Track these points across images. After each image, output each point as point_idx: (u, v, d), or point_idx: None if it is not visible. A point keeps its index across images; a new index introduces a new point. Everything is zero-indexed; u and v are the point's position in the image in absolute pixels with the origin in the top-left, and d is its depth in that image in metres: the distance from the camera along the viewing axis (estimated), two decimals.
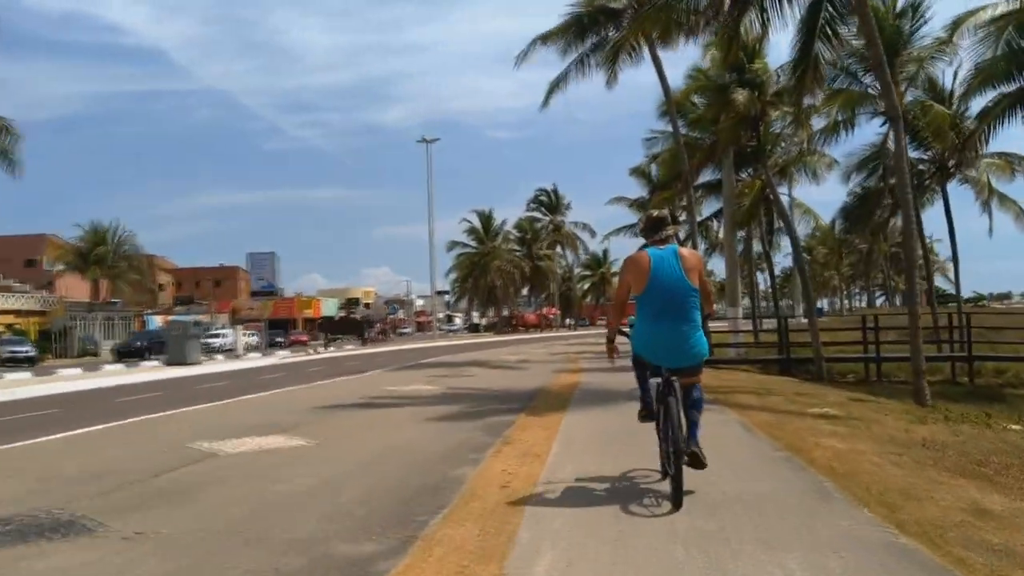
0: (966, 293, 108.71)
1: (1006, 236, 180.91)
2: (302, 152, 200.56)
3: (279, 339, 51.22)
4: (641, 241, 6.21)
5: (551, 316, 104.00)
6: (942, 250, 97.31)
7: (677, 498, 5.26)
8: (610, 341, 6.28)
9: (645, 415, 6.14)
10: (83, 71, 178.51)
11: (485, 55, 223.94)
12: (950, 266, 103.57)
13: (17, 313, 53.11)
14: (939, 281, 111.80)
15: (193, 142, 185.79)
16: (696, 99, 33.29)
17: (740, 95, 21.69)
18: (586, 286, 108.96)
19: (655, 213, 6.13)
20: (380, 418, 11.59)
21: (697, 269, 5.63)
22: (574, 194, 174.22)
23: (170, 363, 35.15)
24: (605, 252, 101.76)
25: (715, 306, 6.85)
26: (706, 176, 32.76)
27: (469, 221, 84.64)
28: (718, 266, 44.20)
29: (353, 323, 66.94)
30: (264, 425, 10.66)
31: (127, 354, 43.94)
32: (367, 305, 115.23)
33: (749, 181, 30.25)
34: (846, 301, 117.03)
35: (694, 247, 24.73)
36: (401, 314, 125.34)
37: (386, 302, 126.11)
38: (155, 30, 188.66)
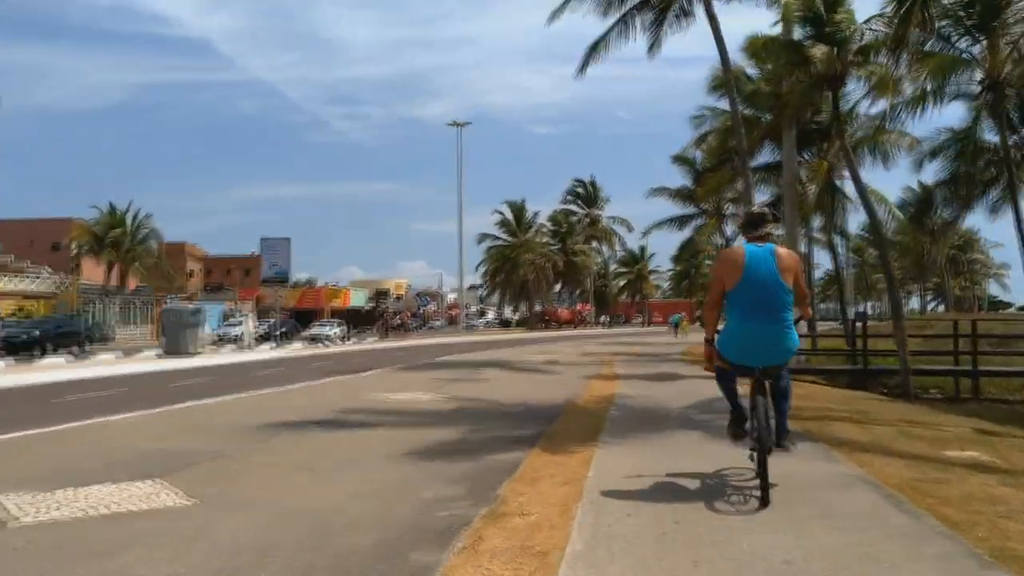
0: (1022, 299, 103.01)
1: None
2: (344, 145, 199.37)
3: (280, 330, 47.01)
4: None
5: (585, 313, 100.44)
6: (998, 255, 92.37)
7: (765, 496, 5.16)
8: (708, 342, 5.82)
9: (736, 433, 5.85)
10: (130, 61, 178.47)
11: (525, 50, 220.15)
12: (1004, 272, 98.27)
13: (24, 295, 50.62)
14: (993, 288, 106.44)
15: (238, 133, 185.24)
16: (752, 71, 29.87)
17: (818, 50, 17.85)
18: (622, 283, 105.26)
19: (755, 209, 6.17)
20: (332, 449, 8.24)
21: (793, 270, 5.45)
22: (613, 190, 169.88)
23: (167, 353, 32.28)
24: (643, 248, 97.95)
25: (810, 309, 6.69)
26: (760, 159, 29.08)
27: (501, 212, 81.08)
28: None
29: (369, 316, 64.04)
30: (161, 456, 7.41)
31: (14, 349, 31.21)
32: (399, 297, 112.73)
33: (814, 163, 26.31)
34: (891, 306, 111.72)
35: None
36: (432, 307, 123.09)
37: (417, 295, 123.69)
38: (201, 21, 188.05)
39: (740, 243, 5.97)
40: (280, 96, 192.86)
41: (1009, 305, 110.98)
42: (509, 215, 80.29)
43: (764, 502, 5.12)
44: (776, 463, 5.70)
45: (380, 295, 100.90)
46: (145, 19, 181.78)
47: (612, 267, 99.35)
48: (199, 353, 32.74)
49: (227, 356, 33.31)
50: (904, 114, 21.71)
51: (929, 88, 20.70)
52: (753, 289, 5.31)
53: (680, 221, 46.28)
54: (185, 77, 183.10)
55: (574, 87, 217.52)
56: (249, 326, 40.92)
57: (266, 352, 36.60)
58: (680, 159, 43.17)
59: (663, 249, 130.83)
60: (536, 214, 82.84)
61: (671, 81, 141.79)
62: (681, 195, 44.18)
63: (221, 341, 46.33)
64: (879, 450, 7.95)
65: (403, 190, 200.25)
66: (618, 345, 39.30)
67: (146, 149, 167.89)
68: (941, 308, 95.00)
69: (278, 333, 44.71)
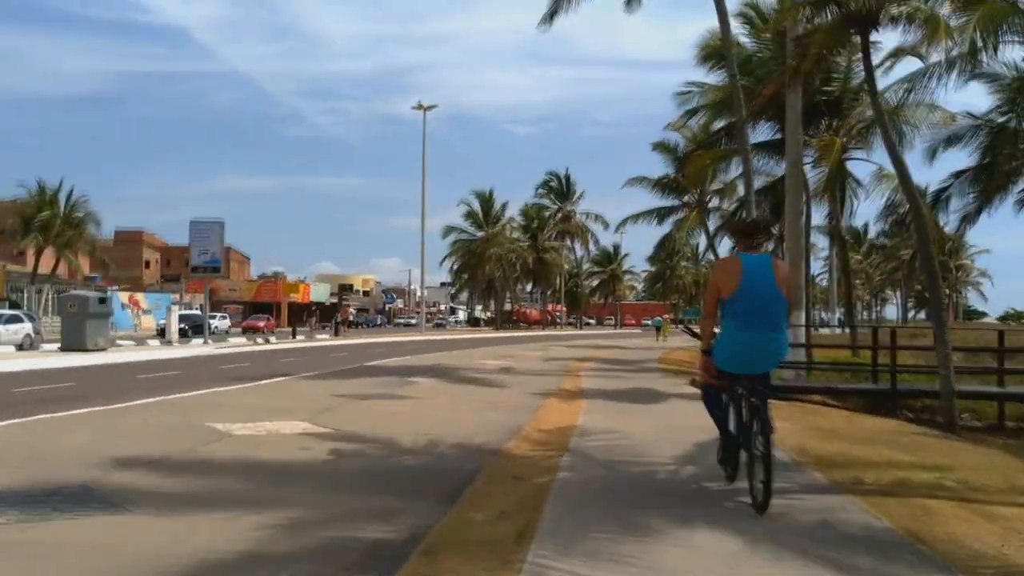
0: (996, 311, 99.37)
1: None
2: (322, 140, 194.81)
3: (180, 325, 40.39)
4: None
5: (556, 313, 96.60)
6: (981, 261, 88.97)
7: (765, 502, 5.05)
8: (705, 353, 5.71)
9: (725, 459, 5.87)
10: (104, 48, 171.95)
11: (505, 49, 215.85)
12: (982, 280, 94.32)
13: None
14: (972, 299, 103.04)
15: (214, 125, 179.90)
16: (746, 40, 26.13)
17: None
18: (595, 283, 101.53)
19: (751, 218, 6.42)
20: None
21: (787, 281, 5.51)
22: (590, 192, 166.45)
23: (66, 348, 27.70)
24: (616, 248, 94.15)
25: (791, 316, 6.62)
26: (754, 137, 24.99)
27: (468, 204, 76.18)
28: None
29: (303, 311, 60.19)
30: None
31: None
32: (366, 293, 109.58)
33: (824, 138, 22.15)
34: (865, 313, 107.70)
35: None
36: (400, 303, 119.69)
37: (384, 291, 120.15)
38: (180, 9, 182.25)
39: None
40: (258, 88, 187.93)
41: (985, 315, 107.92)
42: (476, 206, 75.56)
43: (762, 509, 5.06)
44: None
45: (344, 290, 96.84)
46: (122, 5, 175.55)
47: (585, 266, 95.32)
48: (104, 349, 28.12)
49: (137, 353, 28.81)
50: (946, 74, 17.71)
51: (980, 43, 16.59)
52: (751, 300, 5.33)
53: (659, 214, 42.23)
54: (162, 67, 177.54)
55: (555, 88, 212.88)
56: (173, 319, 36.29)
57: (190, 348, 32.07)
58: (661, 146, 39.19)
59: (638, 250, 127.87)
60: (505, 205, 77.88)
61: (652, 84, 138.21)
62: (662, 184, 40.10)
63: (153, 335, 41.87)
64: None
65: (379, 186, 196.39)
66: (588, 348, 35.22)
67: (119, 137, 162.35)
68: (922, 316, 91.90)
69: (184, 328, 39.84)
